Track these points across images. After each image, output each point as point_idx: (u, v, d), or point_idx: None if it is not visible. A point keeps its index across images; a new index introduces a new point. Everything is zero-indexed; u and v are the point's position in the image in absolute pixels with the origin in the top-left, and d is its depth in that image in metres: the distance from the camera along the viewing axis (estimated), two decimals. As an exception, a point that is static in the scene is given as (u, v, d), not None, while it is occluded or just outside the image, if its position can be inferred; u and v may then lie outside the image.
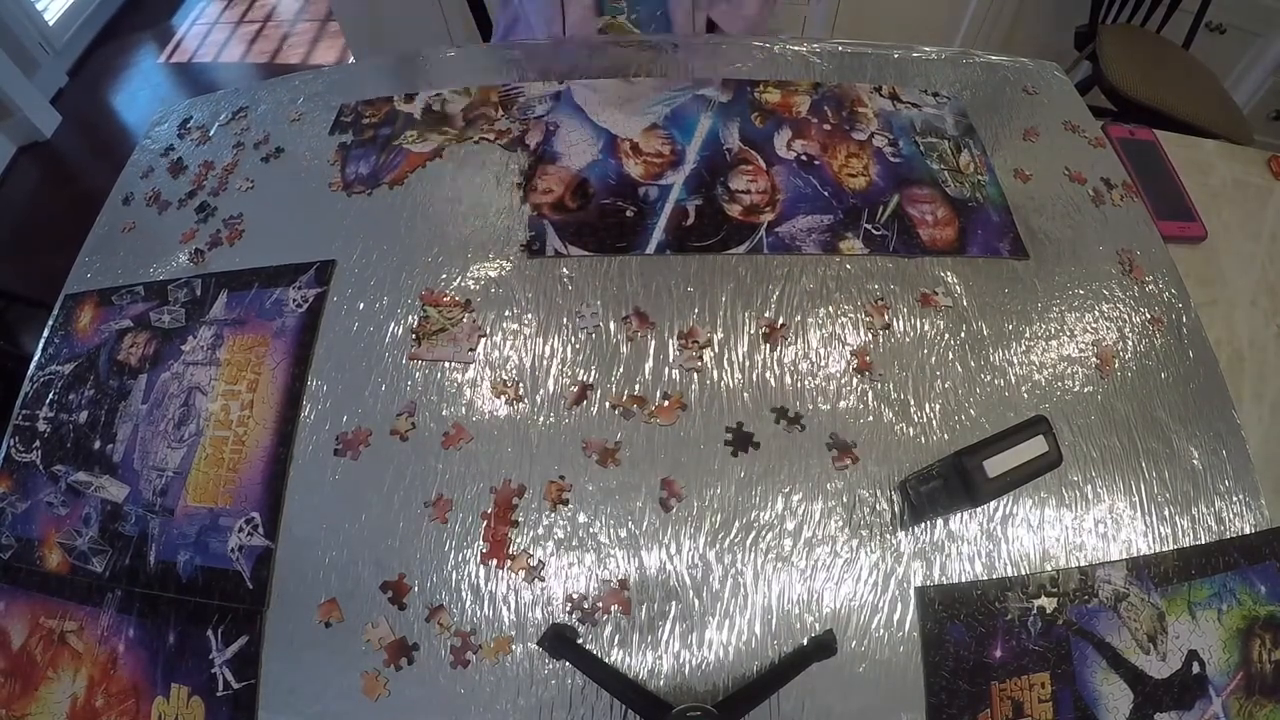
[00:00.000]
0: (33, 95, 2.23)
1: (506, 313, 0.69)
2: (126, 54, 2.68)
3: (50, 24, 2.42)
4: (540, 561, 0.58)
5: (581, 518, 0.60)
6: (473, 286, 0.71)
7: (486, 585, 0.58)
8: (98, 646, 0.59)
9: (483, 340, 0.68)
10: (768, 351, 0.67)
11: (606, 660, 0.55)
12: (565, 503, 0.60)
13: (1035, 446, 0.52)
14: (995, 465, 0.51)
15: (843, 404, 0.65)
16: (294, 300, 0.71)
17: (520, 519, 0.60)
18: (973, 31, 2.04)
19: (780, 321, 0.69)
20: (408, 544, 0.59)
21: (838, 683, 0.55)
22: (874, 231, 0.76)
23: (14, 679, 0.59)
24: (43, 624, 0.61)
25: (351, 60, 2.49)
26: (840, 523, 0.60)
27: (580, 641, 0.56)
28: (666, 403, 0.64)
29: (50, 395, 0.71)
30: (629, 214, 0.76)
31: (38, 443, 0.68)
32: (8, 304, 1.64)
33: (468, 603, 0.57)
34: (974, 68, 0.94)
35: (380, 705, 0.55)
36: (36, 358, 0.74)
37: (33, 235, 2.08)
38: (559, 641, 0.54)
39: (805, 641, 0.56)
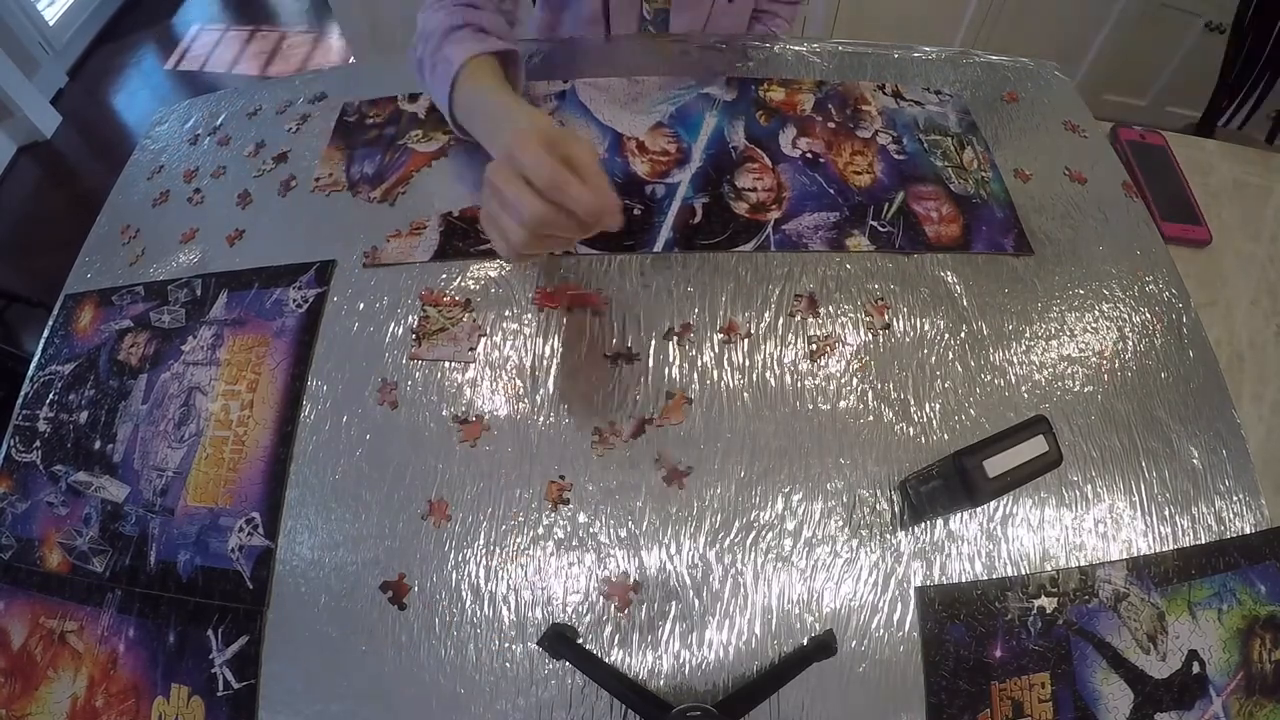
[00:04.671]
0: (33, 95, 2.23)
1: (506, 313, 0.69)
2: (126, 54, 2.68)
3: (50, 24, 2.42)
4: (540, 561, 0.58)
5: (581, 517, 0.60)
6: (473, 286, 0.71)
7: (486, 585, 0.58)
8: (98, 646, 0.59)
9: (483, 340, 0.68)
10: (768, 351, 0.67)
11: (606, 660, 0.55)
12: (565, 502, 0.60)
13: (1035, 446, 0.52)
14: (995, 465, 0.51)
15: (843, 404, 0.65)
16: (294, 300, 0.71)
17: (520, 519, 0.60)
18: (972, 32, 2.04)
19: (780, 321, 0.69)
20: (408, 544, 0.59)
21: (838, 683, 0.55)
22: (880, 228, 0.76)
23: (14, 679, 0.59)
24: (43, 624, 0.61)
25: (352, 61, 2.49)
26: (840, 523, 0.60)
27: (580, 641, 0.56)
28: (669, 402, 0.64)
29: (50, 395, 0.71)
30: (636, 212, 0.76)
31: (38, 443, 0.68)
32: (8, 304, 1.65)
33: (468, 603, 0.57)
34: (974, 67, 0.94)
35: (380, 705, 0.55)
36: (36, 358, 0.74)
37: (33, 235, 2.08)
38: (559, 641, 0.54)
39: (805, 641, 0.56)
